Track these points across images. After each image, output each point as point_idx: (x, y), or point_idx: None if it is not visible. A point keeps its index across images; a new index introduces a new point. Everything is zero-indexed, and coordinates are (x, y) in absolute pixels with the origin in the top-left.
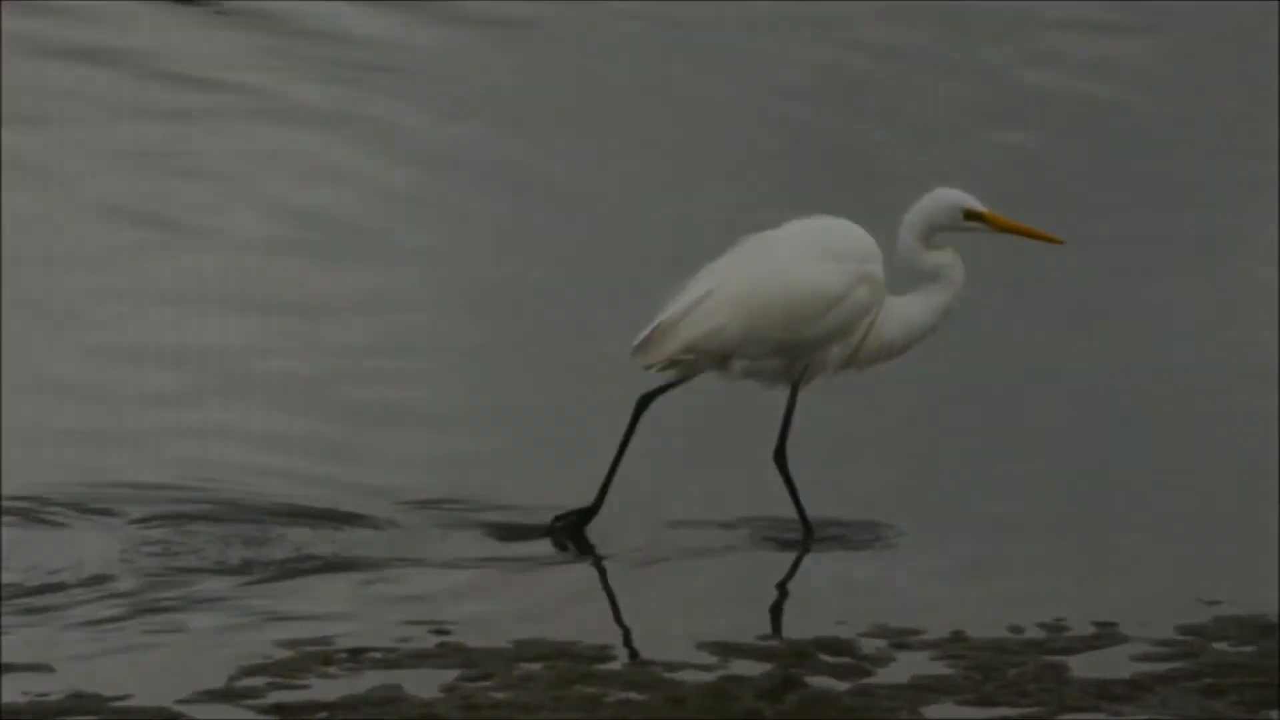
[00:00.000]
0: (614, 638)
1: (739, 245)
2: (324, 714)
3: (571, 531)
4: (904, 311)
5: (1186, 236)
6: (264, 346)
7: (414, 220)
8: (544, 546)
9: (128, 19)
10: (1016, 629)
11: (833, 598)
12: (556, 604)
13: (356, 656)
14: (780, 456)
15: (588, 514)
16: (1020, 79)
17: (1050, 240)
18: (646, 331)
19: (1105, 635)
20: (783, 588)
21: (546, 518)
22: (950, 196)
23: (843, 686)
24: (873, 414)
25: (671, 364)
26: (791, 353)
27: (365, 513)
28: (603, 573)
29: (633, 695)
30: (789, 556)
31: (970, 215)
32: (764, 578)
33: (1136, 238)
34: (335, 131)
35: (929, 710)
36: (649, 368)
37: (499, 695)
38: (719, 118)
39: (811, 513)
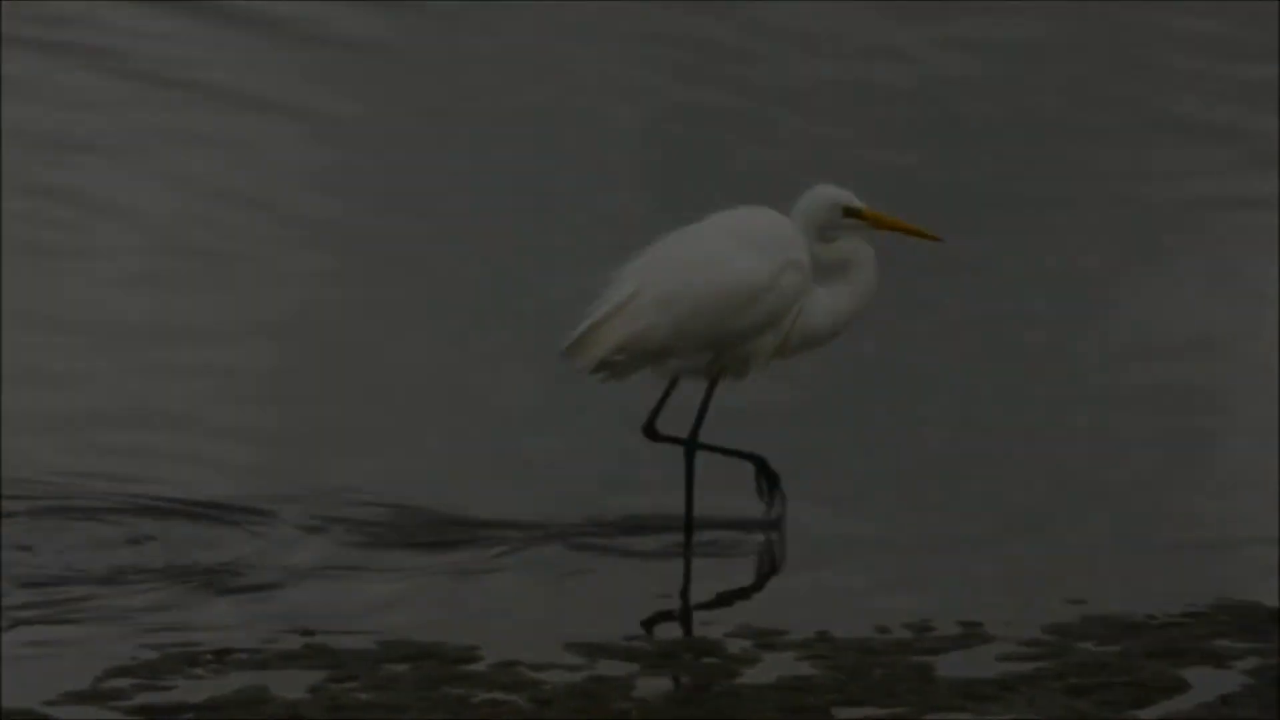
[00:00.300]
0: (481, 638)
1: (661, 240)
2: (190, 715)
3: (769, 480)
4: (827, 299)
5: (1090, 255)
6: (195, 341)
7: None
8: (433, 555)
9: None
10: (883, 629)
11: (700, 598)
12: (423, 606)
13: (222, 658)
14: (691, 446)
15: (761, 466)
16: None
17: (930, 238)
18: (576, 332)
19: (971, 635)
20: (650, 589)
21: (453, 518)
22: (828, 194)
23: (709, 687)
24: (753, 420)
25: (603, 365)
26: (723, 346)
27: (258, 517)
28: (473, 575)
29: (499, 695)
30: (659, 558)
31: (849, 212)
32: (633, 579)
33: (1039, 255)
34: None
35: (795, 710)
36: (580, 369)
37: (365, 696)
38: (644, 115)
39: (678, 510)
